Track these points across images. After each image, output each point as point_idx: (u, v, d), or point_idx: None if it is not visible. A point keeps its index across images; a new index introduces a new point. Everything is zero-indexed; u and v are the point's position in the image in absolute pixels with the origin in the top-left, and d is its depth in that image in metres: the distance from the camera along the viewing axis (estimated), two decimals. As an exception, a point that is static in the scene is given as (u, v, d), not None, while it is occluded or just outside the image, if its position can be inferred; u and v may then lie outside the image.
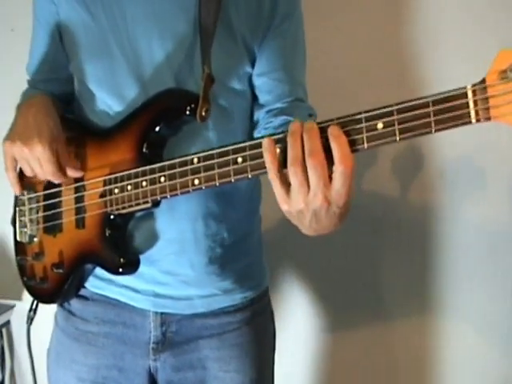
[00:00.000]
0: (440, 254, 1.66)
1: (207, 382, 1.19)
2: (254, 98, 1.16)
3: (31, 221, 1.20)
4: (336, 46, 1.63)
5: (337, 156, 0.77)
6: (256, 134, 1.14)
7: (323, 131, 0.80)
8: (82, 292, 1.21)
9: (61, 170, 1.07)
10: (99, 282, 1.19)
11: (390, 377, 1.79)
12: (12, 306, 2.09)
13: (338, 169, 0.77)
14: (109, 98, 1.12)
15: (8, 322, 2.14)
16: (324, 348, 1.83)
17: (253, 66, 1.12)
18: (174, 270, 1.13)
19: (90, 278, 1.19)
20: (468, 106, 0.72)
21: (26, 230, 1.21)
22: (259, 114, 1.15)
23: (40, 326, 1.36)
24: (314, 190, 0.78)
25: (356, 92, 1.57)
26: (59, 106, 1.19)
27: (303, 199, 0.79)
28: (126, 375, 1.18)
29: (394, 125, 0.77)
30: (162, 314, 1.16)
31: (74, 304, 1.22)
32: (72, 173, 1.10)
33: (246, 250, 1.22)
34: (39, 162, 1.06)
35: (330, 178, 0.78)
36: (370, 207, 1.66)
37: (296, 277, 1.82)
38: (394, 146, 1.58)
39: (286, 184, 0.81)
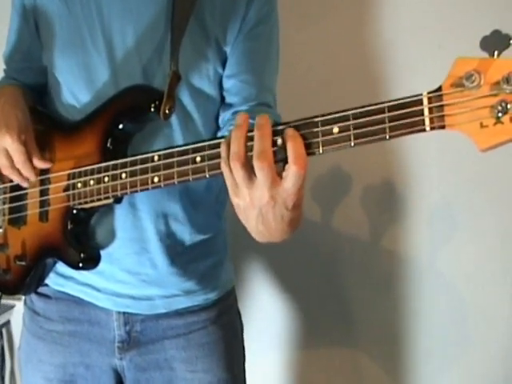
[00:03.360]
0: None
1: (175, 383, 1.18)
2: (223, 100, 1.14)
3: (-3, 212, 1.19)
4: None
5: (291, 156, 0.75)
6: (219, 135, 1.12)
7: (279, 133, 0.78)
8: (45, 290, 1.20)
9: (29, 160, 1.06)
10: (61, 280, 1.17)
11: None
12: (12, 306, 2.08)
13: (291, 168, 0.75)
14: (79, 90, 1.10)
15: (8, 322, 2.14)
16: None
17: (224, 68, 1.10)
18: (135, 269, 1.12)
19: (52, 275, 1.18)
20: (423, 114, 0.70)
21: (-9, 221, 1.20)
22: (225, 116, 1.12)
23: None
24: (260, 186, 0.76)
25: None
26: (30, 97, 1.18)
27: (248, 193, 0.77)
28: (92, 372, 1.17)
29: (349, 130, 0.75)
30: (124, 313, 1.15)
31: (38, 303, 1.21)
32: (39, 164, 1.08)
33: (210, 252, 1.20)
34: (6, 153, 1.05)
35: (280, 176, 0.76)
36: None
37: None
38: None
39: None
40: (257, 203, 0.77)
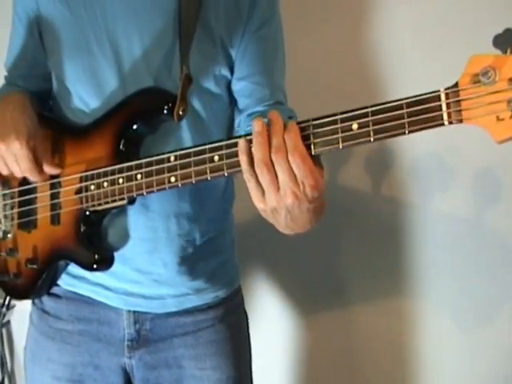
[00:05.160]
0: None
1: (184, 381, 1.19)
2: (235, 103, 1.17)
3: (6, 217, 1.19)
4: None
5: (288, 148, 0.79)
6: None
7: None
8: (55, 290, 1.21)
9: (38, 167, 1.07)
10: (72, 280, 1.18)
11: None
12: (12, 306, 2.07)
13: (290, 159, 0.79)
14: (87, 95, 1.12)
15: (8, 322, 2.12)
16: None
17: (230, 70, 1.13)
18: (147, 268, 1.14)
19: (63, 276, 1.19)
20: (441, 109, 0.74)
21: (0, 226, 1.20)
22: (240, 119, 1.16)
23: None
24: (283, 186, 0.79)
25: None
26: (36, 103, 1.18)
27: (275, 197, 0.81)
28: (101, 372, 1.18)
29: (368, 126, 0.78)
30: (134, 312, 1.17)
31: (48, 302, 1.22)
32: (49, 169, 1.09)
33: (218, 250, 1.23)
34: (16, 159, 1.05)
35: None
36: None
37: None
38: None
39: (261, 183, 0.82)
40: (282, 204, 0.81)
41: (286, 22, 1.20)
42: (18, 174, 1.08)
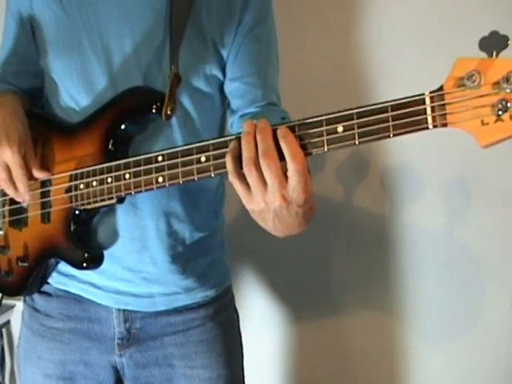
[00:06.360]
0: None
1: (174, 380, 1.20)
2: (228, 104, 1.17)
3: (-3, 214, 1.20)
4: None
5: (287, 154, 0.79)
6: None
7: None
8: (46, 288, 1.21)
9: (27, 173, 1.07)
10: (62, 278, 1.19)
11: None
12: (12, 306, 2.08)
13: (290, 167, 0.79)
14: (78, 94, 1.11)
15: (8, 322, 2.13)
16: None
17: (222, 70, 1.12)
18: (136, 266, 1.14)
19: (54, 274, 1.19)
20: (425, 112, 0.73)
21: (-9, 223, 1.20)
22: (233, 120, 1.15)
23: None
24: (271, 189, 0.80)
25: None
26: (26, 101, 1.18)
27: (262, 199, 0.81)
28: (92, 370, 1.19)
29: (353, 128, 0.78)
30: (124, 310, 1.17)
31: (38, 300, 1.22)
32: (39, 174, 1.09)
33: (208, 250, 1.22)
34: (6, 166, 1.05)
35: (286, 176, 0.80)
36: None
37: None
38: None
39: (247, 184, 0.82)
40: (271, 206, 0.81)
41: (279, 21, 1.18)
42: (2, 182, 1.07)
